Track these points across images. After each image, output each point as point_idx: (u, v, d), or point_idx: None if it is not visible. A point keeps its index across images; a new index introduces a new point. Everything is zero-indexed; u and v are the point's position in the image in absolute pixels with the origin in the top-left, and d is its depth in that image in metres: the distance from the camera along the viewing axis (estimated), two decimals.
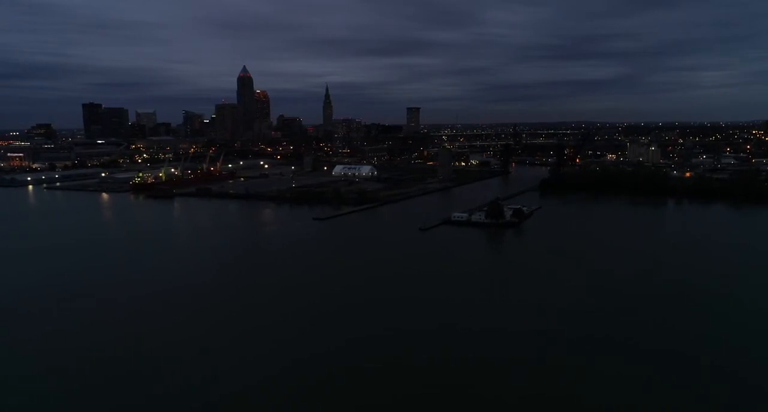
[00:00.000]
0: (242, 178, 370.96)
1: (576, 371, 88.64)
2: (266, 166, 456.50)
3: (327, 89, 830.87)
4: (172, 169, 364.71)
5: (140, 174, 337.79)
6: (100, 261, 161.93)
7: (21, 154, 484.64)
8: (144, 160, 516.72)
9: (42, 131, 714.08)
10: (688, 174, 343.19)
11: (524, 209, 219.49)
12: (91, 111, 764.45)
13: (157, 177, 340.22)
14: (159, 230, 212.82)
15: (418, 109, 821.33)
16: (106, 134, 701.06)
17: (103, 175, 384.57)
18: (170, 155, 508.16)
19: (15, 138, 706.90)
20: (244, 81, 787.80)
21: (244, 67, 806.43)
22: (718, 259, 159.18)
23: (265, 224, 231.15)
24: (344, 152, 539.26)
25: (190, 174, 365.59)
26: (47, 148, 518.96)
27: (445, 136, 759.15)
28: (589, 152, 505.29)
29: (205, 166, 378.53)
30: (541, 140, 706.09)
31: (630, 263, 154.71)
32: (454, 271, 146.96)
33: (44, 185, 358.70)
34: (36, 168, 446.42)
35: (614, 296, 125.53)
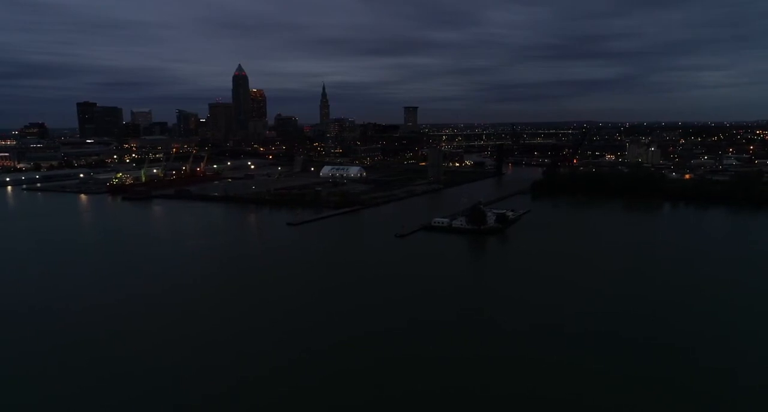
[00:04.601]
0: (229, 180, 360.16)
1: (572, 371, 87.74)
2: (253, 166, 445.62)
3: (323, 88, 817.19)
4: (155, 170, 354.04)
5: (118, 175, 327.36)
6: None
7: (7, 154, 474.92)
8: (132, 159, 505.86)
9: (35, 130, 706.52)
10: (687, 176, 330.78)
11: (509, 213, 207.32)
12: (86, 110, 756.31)
13: (137, 178, 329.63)
14: (104, 237, 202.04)
15: (415, 108, 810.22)
16: (100, 133, 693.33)
17: (81, 176, 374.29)
18: (161, 155, 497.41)
19: (14, 137, 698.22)
20: (239, 80, 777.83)
21: (240, 65, 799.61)
22: (708, 268, 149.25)
23: (232, 229, 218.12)
24: (336, 152, 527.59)
25: (173, 174, 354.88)
26: (34, 147, 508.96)
27: (445, 135, 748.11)
28: (588, 153, 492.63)
29: (187, 166, 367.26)
30: (539, 140, 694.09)
31: (614, 273, 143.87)
32: (424, 281, 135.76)
33: (24, 186, 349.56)
34: (21, 168, 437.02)
35: (600, 302, 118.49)
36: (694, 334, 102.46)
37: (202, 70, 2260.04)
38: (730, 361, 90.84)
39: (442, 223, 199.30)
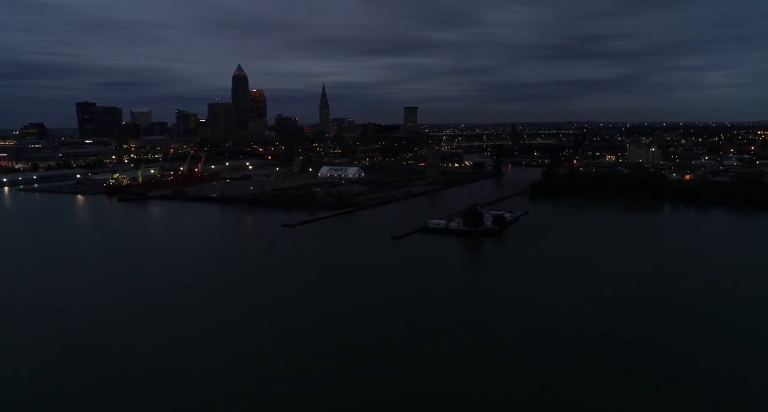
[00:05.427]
0: (227, 180, 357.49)
1: (571, 372, 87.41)
2: (251, 167, 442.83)
3: (323, 88, 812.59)
4: (152, 171, 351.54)
5: (115, 175, 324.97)
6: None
7: (5, 154, 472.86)
8: (131, 160, 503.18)
9: (34, 131, 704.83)
10: (687, 177, 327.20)
11: (506, 215, 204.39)
12: (85, 110, 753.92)
13: (134, 178, 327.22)
14: (100, 237, 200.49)
15: (415, 108, 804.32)
16: (100, 134, 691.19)
17: (78, 176, 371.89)
18: (159, 155, 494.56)
19: (15, 137, 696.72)
20: (239, 80, 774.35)
21: (239, 65, 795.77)
22: (709, 269, 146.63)
23: (227, 230, 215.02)
24: (335, 153, 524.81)
25: (171, 175, 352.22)
26: (33, 148, 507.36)
27: (445, 136, 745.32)
28: (588, 153, 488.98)
29: (184, 167, 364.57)
30: (539, 140, 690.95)
31: (613, 274, 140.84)
32: (421, 282, 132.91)
33: (21, 186, 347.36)
34: (19, 168, 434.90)
35: (599, 302, 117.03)
36: (694, 335, 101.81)
37: (202, 70, 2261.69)
38: (730, 362, 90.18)
39: (439, 224, 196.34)
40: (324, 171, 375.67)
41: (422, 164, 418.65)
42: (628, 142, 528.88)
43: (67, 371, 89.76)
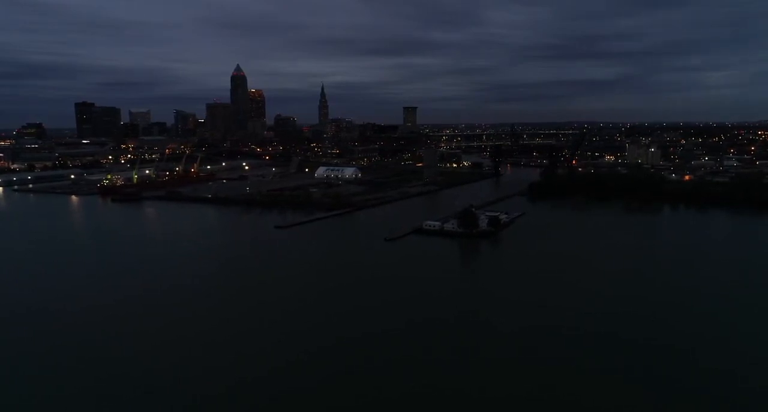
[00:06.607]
0: (224, 180, 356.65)
1: (570, 372, 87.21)
2: (247, 167, 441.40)
3: (322, 88, 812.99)
4: (147, 171, 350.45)
5: (109, 176, 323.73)
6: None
7: (1, 155, 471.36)
8: (128, 160, 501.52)
9: (32, 131, 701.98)
10: (687, 177, 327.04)
11: (502, 216, 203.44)
12: (84, 110, 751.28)
13: (128, 179, 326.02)
14: (94, 238, 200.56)
15: (414, 108, 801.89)
16: (98, 134, 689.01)
17: (72, 177, 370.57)
18: (157, 156, 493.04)
19: (12, 137, 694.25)
20: (237, 80, 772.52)
21: (238, 65, 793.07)
22: (708, 269, 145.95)
23: (218, 231, 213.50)
24: (333, 153, 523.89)
25: (166, 175, 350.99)
26: (29, 148, 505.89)
27: (445, 136, 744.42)
28: (588, 154, 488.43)
29: (180, 167, 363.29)
30: (538, 141, 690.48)
31: (612, 274, 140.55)
32: (418, 284, 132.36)
33: (15, 187, 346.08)
34: (15, 168, 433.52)
35: (599, 303, 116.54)
36: (694, 335, 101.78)
37: (202, 70, 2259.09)
38: (730, 362, 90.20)
39: (434, 226, 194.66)
40: (321, 171, 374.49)
41: (420, 165, 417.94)
42: (627, 143, 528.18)
43: (66, 371, 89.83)
